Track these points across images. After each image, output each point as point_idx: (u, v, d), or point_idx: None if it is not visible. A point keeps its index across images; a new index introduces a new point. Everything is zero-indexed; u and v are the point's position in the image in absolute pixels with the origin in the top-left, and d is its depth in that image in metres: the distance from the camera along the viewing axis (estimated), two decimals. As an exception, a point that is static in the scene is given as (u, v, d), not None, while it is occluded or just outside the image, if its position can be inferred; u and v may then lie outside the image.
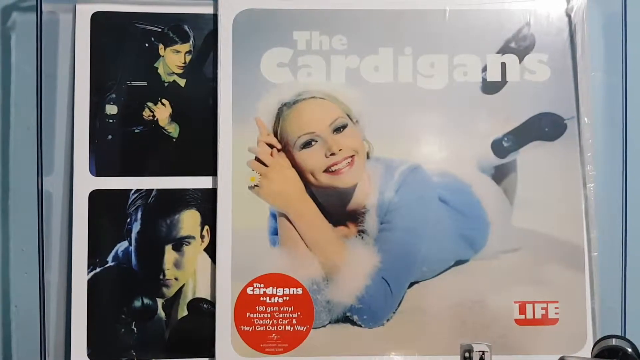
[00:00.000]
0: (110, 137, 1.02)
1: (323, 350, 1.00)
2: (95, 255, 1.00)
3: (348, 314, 1.00)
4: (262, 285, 1.00)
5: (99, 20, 1.02)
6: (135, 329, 1.00)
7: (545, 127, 1.03)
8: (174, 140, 1.02)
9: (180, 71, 1.03)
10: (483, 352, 0.84)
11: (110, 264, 1.01)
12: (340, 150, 1.01)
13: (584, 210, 1.02)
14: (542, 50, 1.04)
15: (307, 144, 1.01)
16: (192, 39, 1.03)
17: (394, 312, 1.00)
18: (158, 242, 1.01)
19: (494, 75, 1.03)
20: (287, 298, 1.00)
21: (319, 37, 1.03)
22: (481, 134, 1.03)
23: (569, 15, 1.04)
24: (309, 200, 1.01)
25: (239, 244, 1.00)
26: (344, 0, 1.03)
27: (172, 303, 1.01)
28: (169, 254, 1.01)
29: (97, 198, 1.01)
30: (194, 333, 1.01)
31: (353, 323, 1.00)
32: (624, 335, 0.96)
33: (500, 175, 1.02)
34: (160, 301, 1.01)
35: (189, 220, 1.01)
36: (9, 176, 1.03)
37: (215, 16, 1.03)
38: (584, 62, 1.03)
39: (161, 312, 1.01)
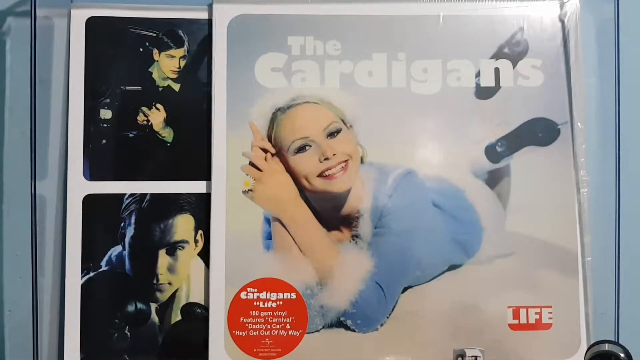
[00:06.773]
0: (104, 141, 1.02)
1: (317, 355, 0.99)
2: (89, 259, 1.00)
3: (342, 319, 1.00)
4: (255, 290, 1.00)
5: (93, 25, 1.02)
6: (128, 333, 1.00)
7: (538, 132, 1.03)
8: (168, 144, 1.02)
9: (174, 76, 1.03)
10: (476, 357, 0.85)
11: (103, 268, 1.01)
12: (334, 155, 1.01)
13: (578, 215, 1.02)
14: (536, 55, 1.04)
15: (301, 149, 1.01)
16: (186, 43, 1.03)
17: (387, 317, 1.00)
18: (152, 247, 1.01)
19: (487, 81, 1.03)
20: (281, 303, 1.00)
21: (313, 42, 1.03)
22: (475, 139, 1.03)
23: (562, 21, 1.05)
24: (303, 205, 1.01)
25: (232, 249, 1.00)
26: (338, 5, 1.04)
27: (165, 308, 1.01)
28: (163, 259, 1.01)
29: (91, 202, 1.01)
30: (188, 338, 1.00)
31: (347, 328, 1.00)
32: (617, 341, 0.96)
33: (493, 180, 1.02)
34: (153, 306, 1.01)
35: (182, 225, 1.01)
36: (3, 180, 1.03)
37: (209, 21, 1.03)
38: (577, 67, 1.03)
39: (154, 317, 1.01)
